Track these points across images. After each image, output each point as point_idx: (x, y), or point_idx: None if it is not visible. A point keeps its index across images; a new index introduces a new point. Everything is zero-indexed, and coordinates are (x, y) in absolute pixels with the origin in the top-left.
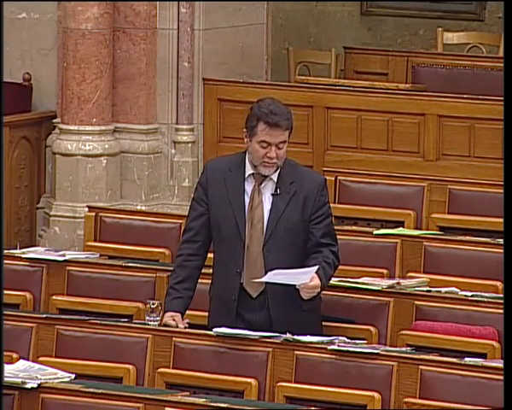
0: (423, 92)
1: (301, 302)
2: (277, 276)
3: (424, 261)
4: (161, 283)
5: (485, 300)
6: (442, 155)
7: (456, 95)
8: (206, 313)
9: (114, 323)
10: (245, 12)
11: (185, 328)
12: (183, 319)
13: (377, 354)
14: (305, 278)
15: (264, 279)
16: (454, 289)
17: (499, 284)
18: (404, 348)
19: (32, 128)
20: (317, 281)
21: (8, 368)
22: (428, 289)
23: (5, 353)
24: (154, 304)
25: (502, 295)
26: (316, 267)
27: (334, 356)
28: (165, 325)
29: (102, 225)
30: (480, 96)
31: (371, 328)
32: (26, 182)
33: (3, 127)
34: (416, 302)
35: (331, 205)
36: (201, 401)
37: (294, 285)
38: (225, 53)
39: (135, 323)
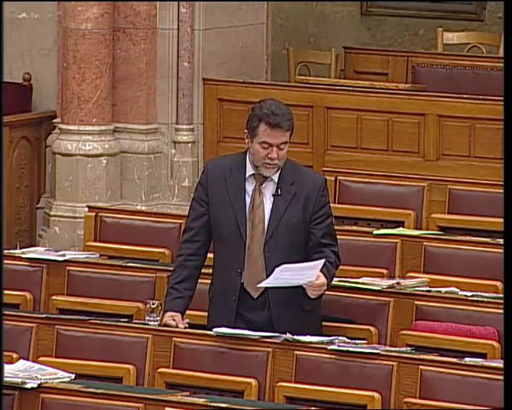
0: (423, 92)
1: (302, 302)
2: (284, 273)
3: (424, 261)
4: (161, 283)
5: (485, 300)
6: (442, 155)
7: (456, 95)
8: (206, 313)
9: (114, 323)
10: (245, 12)
11: (185, 328)
12: (183, 319)
13: (377, 354)
14: (311, 274)
15: (268, 283)
16: (454, 289)
17: (499, 284)
18: (404, 348)
19: (32, 128)
20: (323, 279)
21: (8, 368)
22: (428, 289)
23: (5, 353)
24: (154, 304)
25: (502, 295)
26: (322, 261)
27: (334, 356)
28: (165, 325)
29: (102, 225)
30: (480, 96)
31: (371, 328)
32: (26, 182)
33: (3, 127)
34: (416, 302)
35: (331, 205)
36: (201, 401)
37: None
38: (225, 53)
39: (135, 323)
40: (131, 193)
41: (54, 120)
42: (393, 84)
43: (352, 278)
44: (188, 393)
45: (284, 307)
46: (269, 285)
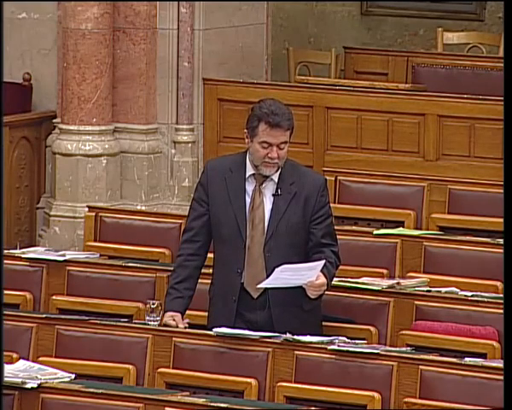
0: (423, 92)
1: (302, 302)
2: (284, 273)
3: (424, 261)
4: (161, 283)
5: (485, 300)
6: (442, 155)
7: (456, 95)
8: (206, 313)
9: (114, 323)
10: (245, 12)
11: (185, 328)
12: (183, 319)
13: (377, 354)
14: (311, 274)
15: (268, 283)
16: (454, 289)
17: (499, 284)
18: (404, 348)
19: (32, 128)
20: (323, 279)
21: (8, 368)
22: (428, 289)
23: (5, 353)
24: (154, 304)
25: (502, 295)
26: (322, 262)
27: (334, 356)
28: (165, 325)
29: (102, 225)
30: (480, 96)
31: (371, 328)
32: (26, 182)
33: (3, 127)
34: (416, 302)
35: (331, 205)
36: (201, 401)
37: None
38: (225, 53)
39: (135, 323)
40: (131, 193)
41: (54, 120)
42: (393, 84)
43: (352, 278)
44: (188, 393)
45: (284, 307)
46: (269, 286)
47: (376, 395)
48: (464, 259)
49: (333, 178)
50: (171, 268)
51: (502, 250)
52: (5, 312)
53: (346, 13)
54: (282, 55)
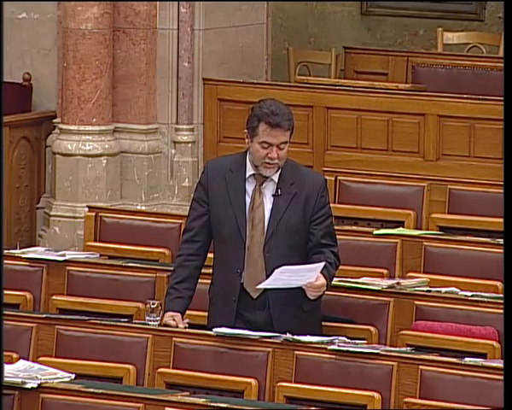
0: (423, 92)
1: (302, 303)
2: (284, 274)
3: (424, 261)
4: (161, 283)
5: (485, 300)
6: (442, 155)
7: (456, 95)
8: (206, 313)
9: (114, 323)
10: (245, 12)
11: (185, 328)
12: (183, 319)
13: (377, 354)
14: (311, 275)
15: (268, 284)
16: (454, 289)
17: (499, 284)
18: (404, 348)
19: (32, 128)
20: (323, 280)
21: (8, 368)
22: (428, 289)
23: (5, 353)
24: (154, 304)
25: (502, 295)
26: (322, 264)
27: (334, 356)
28: (165, 325)
29: (102, 225)
30: (480, 96)
31: (371, 328)
32: (26, 182)
33: (3, 127)
34: (416, 302)
35: (331, 205)
36: (201, 401)
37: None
38: (225, 53)
39: (135, 323)
40: (131, 193)
41: (54, 120)
42: (393, 84)
43: (352, 278)
44: (188, 393)
45: (284, 307)
46: (268, 286)
47: (376, 395)
48: (464, 259)
49: (333, 178)
50: (171, 268)
51: (502, 250)
52: (5, 312)
53: (346, 13)
54: (282, 55)
